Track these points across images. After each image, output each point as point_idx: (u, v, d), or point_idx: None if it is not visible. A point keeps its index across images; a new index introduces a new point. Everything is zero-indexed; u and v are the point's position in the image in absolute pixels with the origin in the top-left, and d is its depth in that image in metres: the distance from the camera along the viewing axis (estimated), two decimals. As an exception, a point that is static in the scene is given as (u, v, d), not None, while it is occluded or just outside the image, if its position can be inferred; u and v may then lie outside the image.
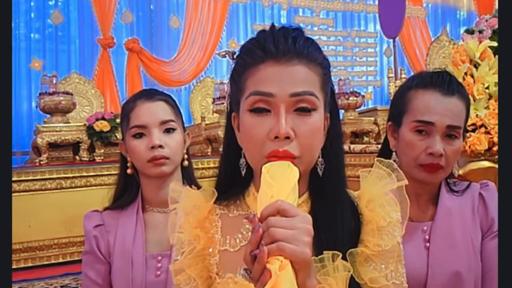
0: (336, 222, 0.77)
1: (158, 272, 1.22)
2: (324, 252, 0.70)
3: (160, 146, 1.22)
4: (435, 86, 1.14)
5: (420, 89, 1.15)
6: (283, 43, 0.73)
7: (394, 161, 1.08)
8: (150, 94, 1.29)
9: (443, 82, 1.14)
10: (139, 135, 1.24)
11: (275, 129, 0.71)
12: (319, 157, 0.78)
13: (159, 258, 1.23)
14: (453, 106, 1.12)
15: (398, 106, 1.20)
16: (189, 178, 1.33)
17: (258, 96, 0.73)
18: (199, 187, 0.94)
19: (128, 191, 1.31)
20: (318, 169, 0.79)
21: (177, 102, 1.34)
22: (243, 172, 0.81)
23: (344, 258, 0.72)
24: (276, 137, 0.72)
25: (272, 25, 0.77)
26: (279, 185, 0.67)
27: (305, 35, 0.77)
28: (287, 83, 0.72)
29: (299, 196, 0.78)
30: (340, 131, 0.84)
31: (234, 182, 0.84)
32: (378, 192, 0.79)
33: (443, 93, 1.13)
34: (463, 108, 1.14)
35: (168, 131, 1.26)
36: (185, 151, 1.31)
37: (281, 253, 0.60)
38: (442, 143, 1.11)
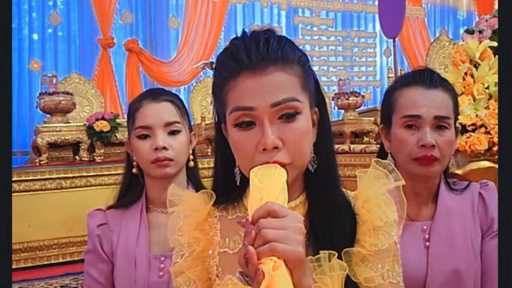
0: (332, 220, 0.77)
1: (161, 273, 1.21)
2: (321, 252, 0.70)
3: (164, 148, 1.22)
4: (418, 82, 1.17)
5: (404, 88, 1.18)
6: (255, 52, 0.72)
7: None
8: (156, 95, 1.28)
9: (425, 77, 1.17)
10: (144, 136, 1.24)
11: (262, 142, 0.71)
12: (311, 152, 0.78)
13: (162, 258, 1.22)
14: (438, 98, 1.14)
15: (387, 108, 1.22)
16: (194, 178, 1.33)
17: (240, 112, 0.73)
18: (203, 188, 0.94)
19: (132, 190, 1.31)
20: (309, 165, 0.78)
21: (183, 102, 1.33)
22: (238, 181, 0.81)
23: (340, 257, 0.72)
24: (265, 149, 0.72)
25: (243, 32, 0.76)
26: (268, 187, 0.68)
27: (277, 35, 0.75)
28: (266, 94, 0.72)
29: (295, 198, 0.79)
30: (328, 123, 0.83)
31: (231, 187, 0.84)
32: (375, 192, 0.79)
33: (426, 87, 1.15)
34: (449, 99, 1.16)
35: (173, 132, 1.25)
36: (190, 151, 1.31)
37: (273, 253, 0.61)
38: (433, 134, 1.13)
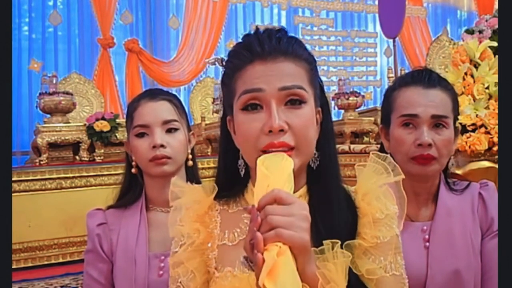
0: (333, 212, 0.78)
1: (161, 272, 1.22)
2: (324, 242, 0.71)
3: (162, 146, 1.22)
4: (416, 82, 1.17)
5: (403, 87, 1.19)
6: (268, 43, 0.76)
7: None
8: (153, 94, 1.29)
9: (423, 77, 1.17)
10: (142, 134, 1.25)
11: (268, 123, 0.73)
12: (313, 149, 0.80)
13: (162, 257, 1.23)
14: (435, 97, 1.14)
15: (386, 108, 1.23)
16: (193, 178, 1.33)
17: (248, 94, 0.75)
18: None
19: (132, 190, 1.31)
20: (311, 162, 0.80)
21: (182, 102, 1.34)
22: (242, 173, 0.83)
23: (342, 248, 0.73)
24: (270, 131, 0.73)
25: (257, 28, 0.80)
26: (275, 175, 0.69)
27: (289, 35, 0.79)
28: (275, 78, 0.75)
29: (297, 190, 0.80)
30: (331, 124, 0.85)
31: (233, 184, 0.85)
32: (374, 185, 0.81)
33: (424, 87, 1.16)
34: (447, 98, 1.16)
35: (171, 130, 1.26)
36: (189, 151, 1.31)
37: (279, 239, 0.62)
38: (430, 134, 1.13)
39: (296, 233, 0.63)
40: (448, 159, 1.19)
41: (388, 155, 0.81)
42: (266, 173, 0.69)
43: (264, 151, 0.74)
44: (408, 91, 1.17)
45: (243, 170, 0.83)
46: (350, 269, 0.72)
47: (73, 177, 3.84)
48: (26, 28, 6.05)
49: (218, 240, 0.83)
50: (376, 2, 5.56)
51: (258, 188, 0.69)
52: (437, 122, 1.13)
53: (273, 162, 0.71)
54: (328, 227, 0.76)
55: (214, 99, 5.25)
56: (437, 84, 1.16)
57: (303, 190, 0.82)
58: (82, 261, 1.32)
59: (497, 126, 1.58)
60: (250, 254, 0.64)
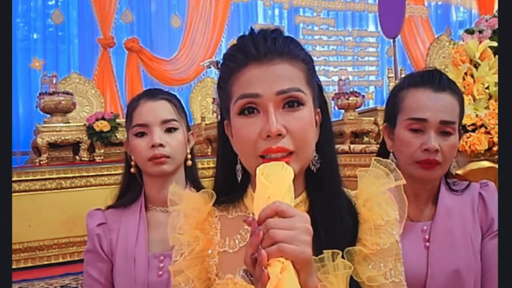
0: (334, 218, 0.77)
1: (160, 272, 1.22)
2: (324, 251, 0.70)
3: (161, 145, 1.23)
4: (426, 84, 1.15)
5: (412, 88, 1.17)
6: (263, 44, 0.74)
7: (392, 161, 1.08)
8: (153, 94, 1.30)
9: (434, 79, 1.15)
10: (141, 134, 1.25)
11: (266, 128, 0.72)
12: (313, 152, 0.79)
13: (162, 258, 1.23)
14: (445, 102, 1.13)
15: (392, 107, 1.21)
16: (192, 178, 1.33)
17: (245, 99, 0.74)
18: (202, 187, 0.95)
19: (132, 190, 1.31)
20: (311, 165, 0.79)
21: (181, 102, 1.34)
22: (239, 178, 0.82)
23: (342, 257, 0.72)
24: (268, 136, 0.72)
25: (251, 29, 0.78)
26: (275, 186, 0.67)
27: (284, 35, 0.78)
28: (272, 82, 0.73)
29: (297, 196, 0.79)
30: (330, 125, 0.84)
31: (231, 188, 0.84)
32: (376, 191, 0.80)
33: (434, 90, 1.14)
34: (456, 103, 1.15)
35: (170, 130, 1.26)
36: (188, 150, 1.31)
37: (282, 255, 0.61)
38: (437, 139, 1.12)
39: (298, 248, 0.61)
40: (451, 162, 1.18)
41: (390, 161, 0.81)
42: (266, 183, 0.67)
43: (262, 156, 0.73)
44: (417, 92, 1.15)
45: (241, 175, 0.81)
46: (350, 277, 0.71)
47: (73, 177, 3.84)
48: (26, 27, 6.05)
49: (219, 247, 0.82)
50: (377, 2, 5.57)
51: (258, 199, 0.67)
52: (445, 129, 1.12)
53: (273, 172, 0.69)
54: (329, 233, 0.76)
55: (214, 99, 5.26)
56: (447, 88, 1.14)
57: (303, 196, 0.81)
58: (82, 261, 1.32)
59: (497, 126, 1.58)
60: (251, 269, 0.63)
